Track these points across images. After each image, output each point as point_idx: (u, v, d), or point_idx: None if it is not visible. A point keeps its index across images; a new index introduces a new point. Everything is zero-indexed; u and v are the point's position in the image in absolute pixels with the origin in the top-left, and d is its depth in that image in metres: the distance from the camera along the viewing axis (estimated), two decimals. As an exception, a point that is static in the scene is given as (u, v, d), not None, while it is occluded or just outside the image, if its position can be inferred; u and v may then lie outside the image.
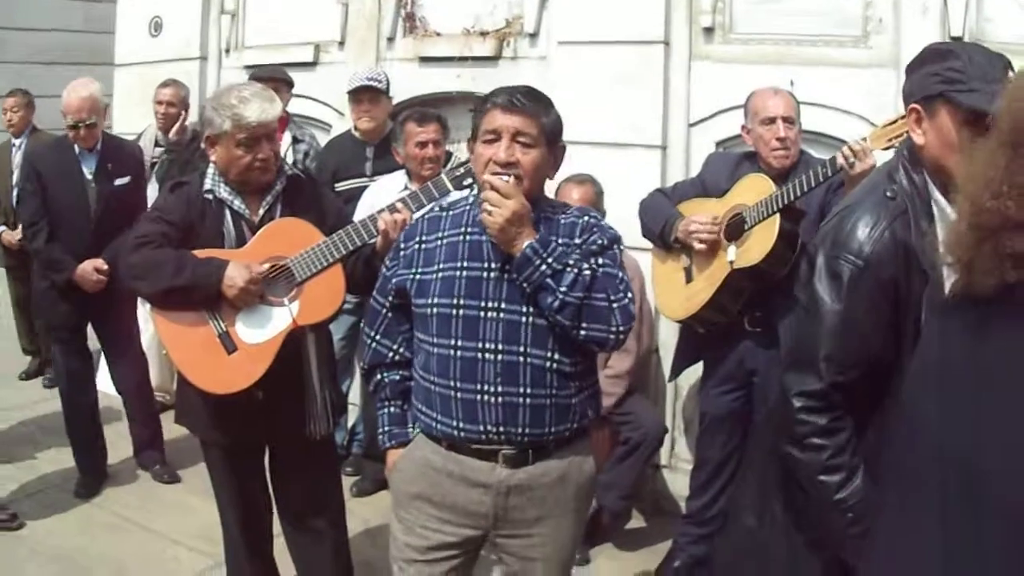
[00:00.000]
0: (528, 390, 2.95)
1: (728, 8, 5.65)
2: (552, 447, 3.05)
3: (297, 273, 3.70)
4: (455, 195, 3.64)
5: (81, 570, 5.03)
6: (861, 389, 2.43)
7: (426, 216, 3.21)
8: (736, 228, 4.45)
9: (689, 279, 4.68)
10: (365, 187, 5.58)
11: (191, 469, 6.20)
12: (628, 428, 5.11)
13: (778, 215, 4.27)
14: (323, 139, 6.71)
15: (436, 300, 3.01)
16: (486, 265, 2.98)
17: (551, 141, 3.04)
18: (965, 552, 1.83)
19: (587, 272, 2.88)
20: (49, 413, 6.08)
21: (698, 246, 4.55)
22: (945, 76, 2.48)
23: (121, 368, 6.19)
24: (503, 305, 2.95)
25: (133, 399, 6.24)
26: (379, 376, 3.30)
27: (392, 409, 3.28)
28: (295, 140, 6.45)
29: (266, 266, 3.67)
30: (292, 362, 3.74)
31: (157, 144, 6.96)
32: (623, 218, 4.88)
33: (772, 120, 4.50)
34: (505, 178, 2.91)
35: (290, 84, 6.60)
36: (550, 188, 3.55)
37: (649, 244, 4.95)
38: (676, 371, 5.12)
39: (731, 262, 4.43)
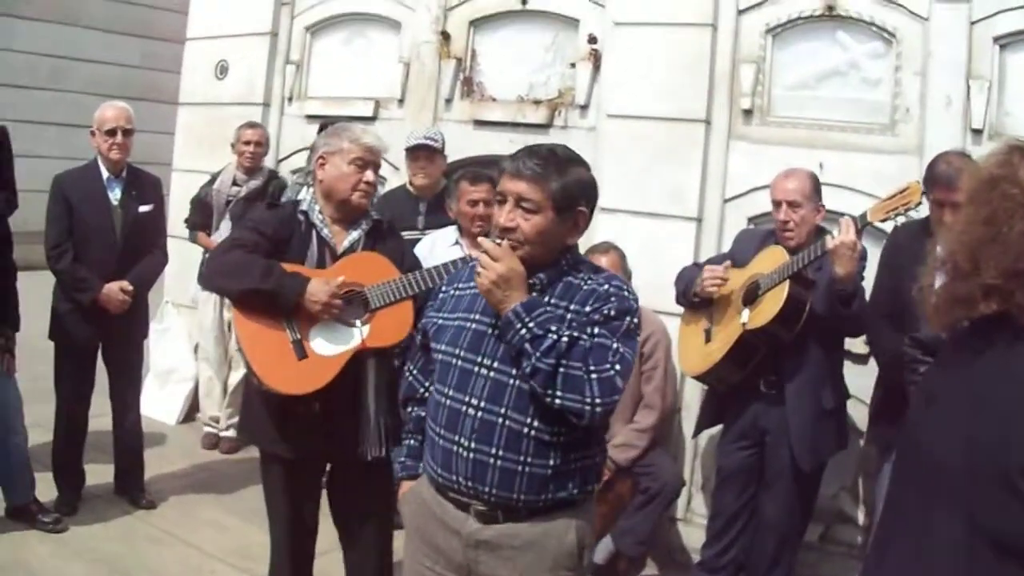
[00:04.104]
0: (500, 452, 2.98)
1: (767, 92, 6.10)
2: (524, 512, 3.05)
3: (372, 301, 4.07)
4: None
5: (122, 574, 5.40)
6: None
7: (472, 263, 3.30)
8: (751, 293, 4.93)
9: (708, 339, 5.16)
10: (416, 239, 5.76)
11: (231, 494, 6.67)
12: (648, 479, 5.42)
13: (787, 281, 4.72)
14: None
15: (444, 347, 3.16)
16: (494, 321, 3.05)
17: (563, 206, 3.03)
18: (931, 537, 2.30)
19: (565, 339, 2.89)
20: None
21: (709, 290, 5.02)
22: None
23: (122, 393, 6.35)
24: (495, 364, 3.02)
25: (132, 425, 6.40)
26: (409, 409, 3.50)
27: (412, 442, 3.47)
28: (357, 190, 6.74)
29: (341, 278, 4.02)
30: (352, 384, 4.05)
31: (235, 183, 7.37)
32: (654, 283, 5.47)
33: (778, 204, 4.97)
34: (498, 240, 3.00)
35: None
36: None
37: (677, 309, 5.42)
38: (699, 429, 5.56)
39: (744, 323, 4.89)
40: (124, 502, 6.31)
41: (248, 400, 4.50)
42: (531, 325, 2.90)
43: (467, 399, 3.04)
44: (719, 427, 5.43)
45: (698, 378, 5.34)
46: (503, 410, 2.99)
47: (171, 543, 5.86)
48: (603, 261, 5.25)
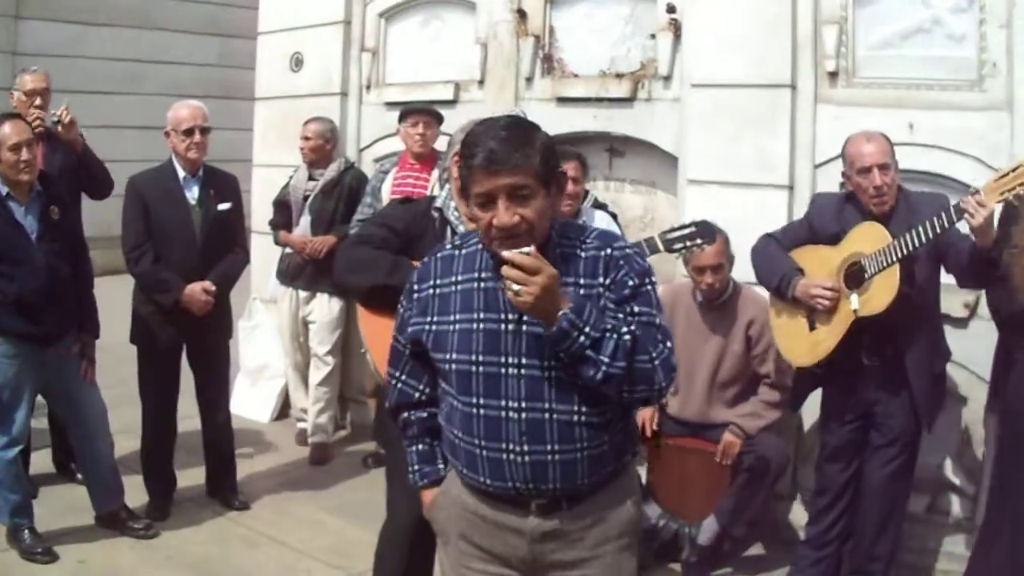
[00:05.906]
0: (556, 447, 2.91)
1: (851, 53, 6.05)
2: (587, 493, 3.02)
3: None
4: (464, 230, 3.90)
5: (215, 576, 5.56)
6: None
7: (438, 255, 3.15)
8: (856, 276, 4.85)
9: (812, 327, 5.06)
10: (502, 220, 5.82)
11: (326, 490, 6.78)
12: (752, 457, 5.44)
13: (898, 265, 4.65)
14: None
15: (455, 356, 2.99)
16: (503, 317, 2.93)
17: (547, 178, 2.89)
18: None
19: (627, 337, 2.81)
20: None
21: (820, 309, 4.93)
22: None
23: (209, 394, 6.45)
24: (523, 360, 2.91)
25: (221, 425, 6.51)
26: (406, 415, 3.30)
27: (421, 447, 3.30)
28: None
29: None
30: None
31: (311, 178, 7.50)
32: (748, 256, 5.41)
33: (868, 169, 4.84)
34: (525, 250, 2.75)
35: (439, 119, 7.05)
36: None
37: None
38: (798, 403, 5.55)
39: (855, 310, 4.80)
40: (216, 504, 6.45)
41: (382, 404, 4.42)
42: (587, 330, 2.77)
43: (504, 403, 2.92)
44: (818, 399, 5.40)
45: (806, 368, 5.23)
46: (547, 405, 2.90)
47: (265, 543, 5.94)
48: (707, 248, 5.29)
